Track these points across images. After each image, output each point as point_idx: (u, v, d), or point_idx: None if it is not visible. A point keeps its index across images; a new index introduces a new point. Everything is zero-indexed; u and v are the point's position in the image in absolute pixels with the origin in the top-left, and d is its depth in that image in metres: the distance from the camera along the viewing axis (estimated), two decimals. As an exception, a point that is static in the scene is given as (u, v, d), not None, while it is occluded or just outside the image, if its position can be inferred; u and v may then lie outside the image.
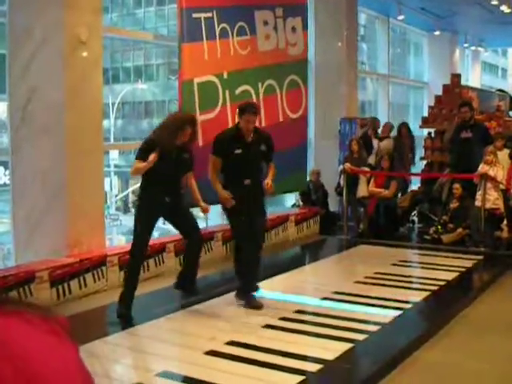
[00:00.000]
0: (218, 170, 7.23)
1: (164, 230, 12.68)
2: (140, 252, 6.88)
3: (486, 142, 10.85)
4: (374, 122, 13.19)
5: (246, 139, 7.17)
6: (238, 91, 10.20)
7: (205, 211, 7.41)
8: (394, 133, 13.01)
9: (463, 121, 11.40)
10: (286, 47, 11.43)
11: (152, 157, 6.45)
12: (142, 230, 6.83)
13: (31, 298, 7.00)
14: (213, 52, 9.73)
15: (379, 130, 12.95)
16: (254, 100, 10.42)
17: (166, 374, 5.18)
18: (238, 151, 7.12)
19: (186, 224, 7.04)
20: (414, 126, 14.46)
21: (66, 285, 7.42)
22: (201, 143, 9.40)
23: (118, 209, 31.11)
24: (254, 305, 7.11)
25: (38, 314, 0.88)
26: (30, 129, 7.91)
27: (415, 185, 13.61)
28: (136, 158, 6.75)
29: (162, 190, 6.70)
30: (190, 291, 7.19)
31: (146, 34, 18.94)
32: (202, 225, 11.42)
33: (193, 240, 7.12)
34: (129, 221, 29.66)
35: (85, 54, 7.95)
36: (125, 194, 32.69)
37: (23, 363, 0.80)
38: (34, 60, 7.80)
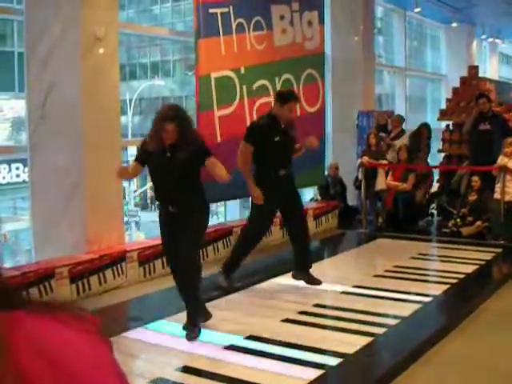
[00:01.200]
0: (249, 160, 7.23)
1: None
2: (169, 261, 6.47)
3: (505, 134, 10.79)
4: (379, 116, 13.10)
5: (280, 126, 7.16)
6: (255, 86, 10.19)
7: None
8: (404, 125, 12.90)
9: (481, 113, 11.34)
10: (303, 41, 11.40)
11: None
12: (162, 240, 6.23)
13: (51, 295, 7.04)
14: (229, 47, 9.72)
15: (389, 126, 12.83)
16: (271, 94, 10.41)
17: (186, 369, 5.20)
18: (277, 138, 7.09)
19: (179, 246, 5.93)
20: (432, 118, 14.39)
21: (85, 281, 7.45)
22: (218, 139, 9.41)
23: (136, 205, 31.22)
24: (314, 280, 7.53)
25: (71, 313, 0.89)
26: (48, 126, 7.95)
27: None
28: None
29: (163, 198, 6.08)
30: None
31: (163, 29, 18.96)
32: (220, 219, 11.45)
33: None
34: (147, 217, 29.84)
35: (101, 50, 7.98)
36: (143, 189, 32.79)
37: (58, 362, 0.80)
38: (51, 57, 7.84)
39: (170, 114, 5.75)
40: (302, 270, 7.61)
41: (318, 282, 7.53)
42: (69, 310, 0.89)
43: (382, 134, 12.28)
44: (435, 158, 13.76)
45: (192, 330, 5.87)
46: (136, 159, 6.17)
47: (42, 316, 0.85)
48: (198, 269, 6.17)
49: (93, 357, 0.85)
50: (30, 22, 7.99)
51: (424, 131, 12.73)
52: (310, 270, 7.62)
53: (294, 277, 7.65)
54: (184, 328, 5.94)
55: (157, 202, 6.37)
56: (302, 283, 7.79)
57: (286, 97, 7.22)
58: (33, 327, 0.83)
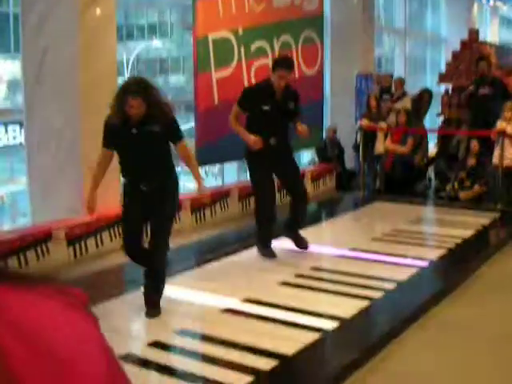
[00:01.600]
0: (239, 120, 7.07)
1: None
2: (128, 251, 5.81)
3: (505, 98, 10.73)
4: (382, 79, 13.03)
5: (275, 96, 6.91)
6: (253, 47, 10.11)
7: (201, 196, 6.05)
8: (406, 87, 12.82)
9: (480, 77, 11.27)
10: (302, 3, 11.29)
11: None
12: (124, 224, 5.93)
13: (48, 258, 7.03)
14: (227, 8, 9.63)
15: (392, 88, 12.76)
16: (270, 56, 10.33)
17: (183, 332, 5.22)
18: (266, 107, 6.86)
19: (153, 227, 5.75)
20: (432, 82, 14.31)
21: (82, 243, 7.45)
22: (216, 101, 9.36)
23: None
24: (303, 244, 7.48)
25: (55, 287, 0.86)
26: (44, 88, 7.88)
27: (432, 141, 13.50)
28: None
29: (133, 177, 5.63)
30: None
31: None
32: (217, 182, 11.44)
33: None
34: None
35: (98, 11, 7.88)
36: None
37: (39, 338, 0.78)
38: (47, 18, 7.74)
39: (135, 88, 5.34)
40: (291, 230, 7.56)
41: (305, 244, 7.53)
42: (53, 283, 0.87)
43: (387, 97, 12.21)
44: (434, 121, 13.69)
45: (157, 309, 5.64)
46: (104, 144, 5.72)
47: (24, 291, 0.82)
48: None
49: (77, 331, 0.82)
50: (26, -19, 7.88)
51: (425, 96, 12.67)
52: (300, 232, 7.62)
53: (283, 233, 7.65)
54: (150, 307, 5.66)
55: (124, 180, 5.87)
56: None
57: (276, 63, 7.00)
58: (11, 302, 0.80)
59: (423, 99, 12.64)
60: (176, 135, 5.64)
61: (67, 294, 0.85)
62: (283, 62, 6.96)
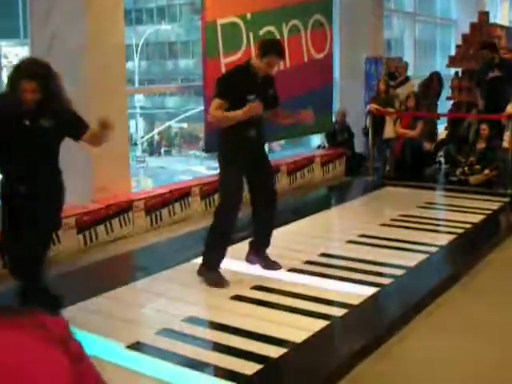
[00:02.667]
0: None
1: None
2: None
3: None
4: (389, 63, 13.01)
5: (257, 81, 6.11)
6: (261, 32, 10.06)
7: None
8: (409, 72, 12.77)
9: (489, 60, 11.22)
10: (311, -15, 11.23)
11: None
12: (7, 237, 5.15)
13: (58, 246, 7.00)
14: (236, -8, 9.58)
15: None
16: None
17: (191, 319, 5.22)
18: (251, 97, 5.96)
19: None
20: (442, 65, 14.24)
21: (92, 231, 7.45)
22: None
23: (144, 150, 31.28)
24: (271, 265, 6.43)
25: (36, 320, 0.85)
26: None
27: (442, 124, 13.45)
28: None
29: (14, 176, 4.94)
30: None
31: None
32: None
33: None
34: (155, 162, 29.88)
35: (106, -5, 7.85)
36: (150, 135, 32.81)
37: (11, 375, 0.78)
38: (55, 4, 7.73)
39: (31, 71, 4.73)
40: (258, 252, 6.54)
41: (276, 267, 6.44)
42: (31, 316, 0.86)
43: (392, 83, 12.19)
44: (444, 105, 13.62)
45: None
46: None
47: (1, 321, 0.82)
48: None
49: (51, 371, 0.82)
50: (33, -33, 7.86)
51: (435, 79, 12.62)
52: (267, 252, 6.54)
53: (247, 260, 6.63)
54: None
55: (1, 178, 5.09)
56: (309, 231, 7.80)
57: (266, 49, 5.98)
58: None
59: (433, 82, 12.59)
60: (81, 129, 5.09)
61: (44, 328, 0.85)
62: (276, 48, 6.07)
